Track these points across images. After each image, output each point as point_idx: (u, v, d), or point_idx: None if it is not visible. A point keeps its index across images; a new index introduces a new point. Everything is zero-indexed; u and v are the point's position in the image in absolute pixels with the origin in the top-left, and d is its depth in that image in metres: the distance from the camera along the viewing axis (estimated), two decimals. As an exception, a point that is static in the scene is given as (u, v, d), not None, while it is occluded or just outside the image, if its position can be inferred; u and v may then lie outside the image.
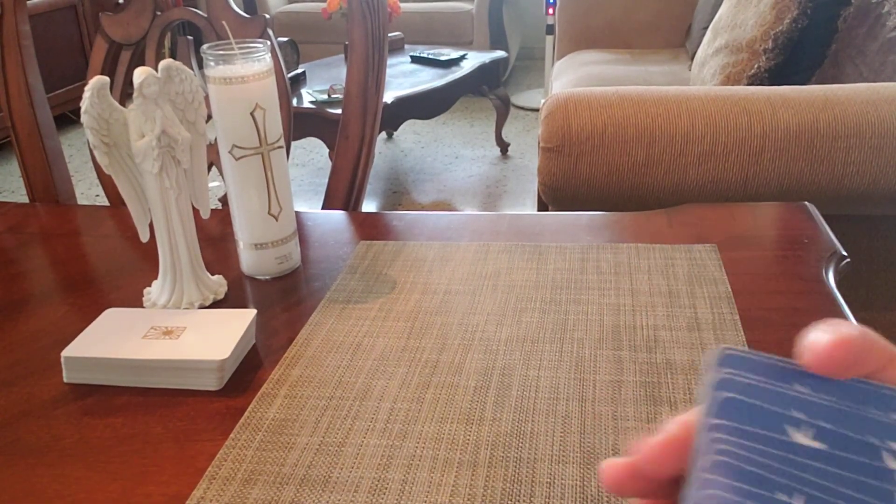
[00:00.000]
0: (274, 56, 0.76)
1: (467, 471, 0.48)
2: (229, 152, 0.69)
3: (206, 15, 0.94)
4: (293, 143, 1.00)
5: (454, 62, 3.13)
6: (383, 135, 3.61)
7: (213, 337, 0.59)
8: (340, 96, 2.53)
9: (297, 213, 0.82)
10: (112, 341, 0.59)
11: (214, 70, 0.66)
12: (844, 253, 0.72)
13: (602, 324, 0.63)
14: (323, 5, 3.22)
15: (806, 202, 0.83)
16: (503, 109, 3.27)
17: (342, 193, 0.96)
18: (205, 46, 0.67)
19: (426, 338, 0.62)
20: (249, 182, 0.70)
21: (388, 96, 2.68)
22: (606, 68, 2.53)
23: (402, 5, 3.82)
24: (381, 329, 0.64)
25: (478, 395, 0.55)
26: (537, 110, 3.86)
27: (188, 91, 0.66)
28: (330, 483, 0.48)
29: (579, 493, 0.46)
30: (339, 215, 0.89)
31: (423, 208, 2.83)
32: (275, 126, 0.69)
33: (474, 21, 4.01)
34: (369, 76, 0.92)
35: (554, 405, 0.54)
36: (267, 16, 0.92)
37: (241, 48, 0.66)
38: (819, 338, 0.21)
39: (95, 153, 0.64)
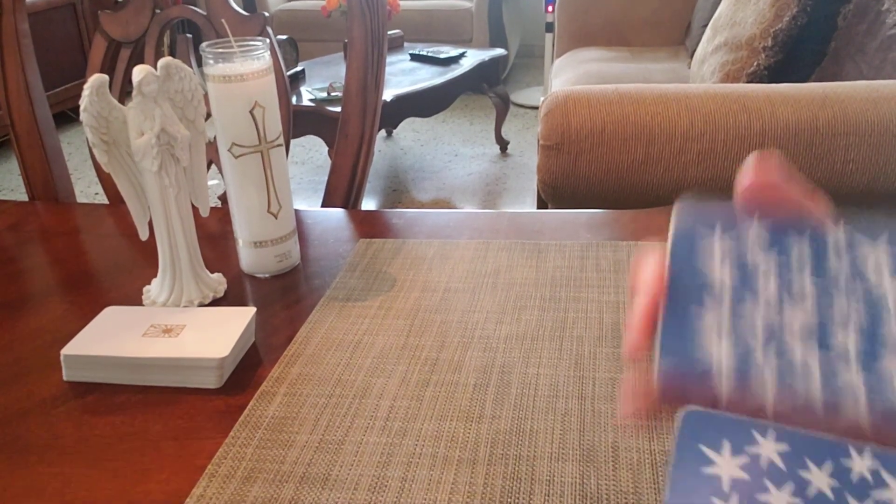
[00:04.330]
0: (273, 54, 0.76)
1: (467, 468, 0.48)
2: (228, 150, 0.69)
3: (205, 13, 0.93)
4: (292, 141, 1.00)
5: (453, 60, 3.13)
6: (383, 133, 3.61)
7: (213, 335, 0.60)
8: (340, 94, 2.53)
9: (296, 211, 0.82)
10: (112, 339, 0.60)
11: (214, 68, 0.66)
12: (844, 250, 0.72)
13: (601, 321, 0.63)
14: (322, 3, 3.22)
15: (805, 200, 0.83)
16: (503, 107, 3.27)
17: (342, 191, 0.96)
18: (204, 44, 0.67)
19: (426, 335, 0.62)
20: (249, 180, 0.70)
21: (388, 94, 2.67)
22: (606, 66, 2.53)
23: (402, 3, 3.82)
24: (380, 327, 0.64)
25: (477, 392, 0.55)
26: (537, 108, 3.86)
27: (187, 89, 0.66)
28: (329, 481, 0.48)
29: (578, 490, 0.46)
30: (338, 213, 0.89)
31: (422, 206, 2.83)
32: (274, 124, 0.69)
33: (474, 19, 4.01)
34: (369, 74, 0.92)
35: (553, 403, 0.54)
36: (266, 14, 0.92)
37: (240, 46, 0.66)
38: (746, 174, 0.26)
39: (95, 151, 0.64)
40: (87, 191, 3.01)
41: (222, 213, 0.86)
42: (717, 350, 0.24)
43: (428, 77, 2.92)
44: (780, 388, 0.23)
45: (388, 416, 0.53)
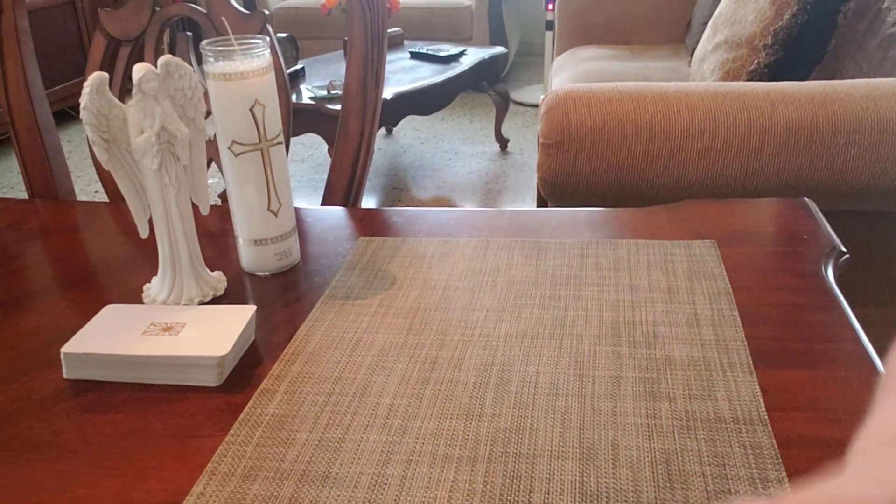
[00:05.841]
0: (273, 52, 0.76)
1: (467, 466, 0.48)
2: (228, 148, 0.69)
3: (205, 11, 0.93)
4: (292, 140, 1.00)
5: (453, 58, 3.13)
6: (382, 131, 3.61)
7: (213, 333, 0.60)
8: (339, 92, 2.53)
9: (296, 209, 0.82)
10: (112, 337, 0.60)
11: (214, 66, 0.66)
12: (844, 249, 0.72)
13: (601, 320, 0.63)
14: (322, 1, 3.22)
15: (805, 198, 0.83)
16: (502, 105, 3.26)
17: (341, 189, 0.96)
18: (204, 42, 0.67)
19: (426, 334, 0.62)
20: (249, 178, 0.70)
21: (388, 92, 2.67)
22: (606, 64, 2.53)
23: (402, 1, 3.82)
24: (380, 325, 0.64)
25: (477, 390, 0.55)
26: (537, 106, 3.86)
27: (187, 87, 0.66)
28: (329, 479, 0.48)
29: (578, 488, 0.46)
30: (338, 211, 0.89)
31: (422, 204, 2.83)
32: (274, 122, 0.69)
33: (474, 17, 4.00)
34: (368, 72, 0.92)
35: (553, 401, 0.54)
36: (266, 11, 0.92)
37: (240, 44, 0.66)
38: None
39: (94, 149, 0.64)
40: (87, 189, 3.01)
41: (222, 211, 0.86)
42: None
43: (428, 75, 2.92)
44: None
45: (388, 414, 0.53)
